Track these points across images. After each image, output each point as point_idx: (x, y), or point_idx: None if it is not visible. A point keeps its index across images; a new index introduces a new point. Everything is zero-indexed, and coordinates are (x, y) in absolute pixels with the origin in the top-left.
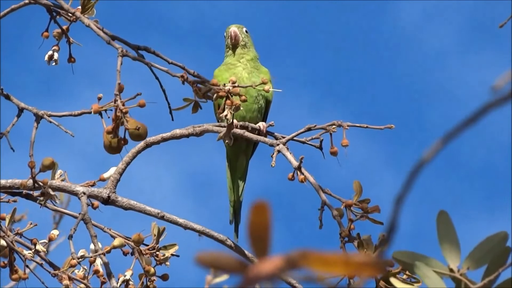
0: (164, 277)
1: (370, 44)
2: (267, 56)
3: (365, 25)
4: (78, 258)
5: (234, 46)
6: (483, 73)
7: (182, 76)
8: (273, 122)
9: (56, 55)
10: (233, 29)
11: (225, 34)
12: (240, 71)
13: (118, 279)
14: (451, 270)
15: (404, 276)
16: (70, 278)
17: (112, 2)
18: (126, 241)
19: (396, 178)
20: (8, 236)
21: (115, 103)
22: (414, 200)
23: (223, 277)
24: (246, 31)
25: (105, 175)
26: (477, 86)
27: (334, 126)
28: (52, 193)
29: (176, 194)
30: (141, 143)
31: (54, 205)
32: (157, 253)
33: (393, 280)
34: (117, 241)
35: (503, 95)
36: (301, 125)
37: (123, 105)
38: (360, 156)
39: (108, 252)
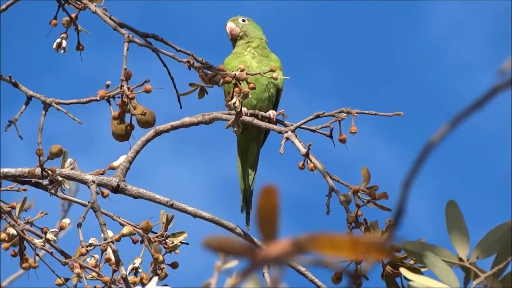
0: (174, 265)
1: (397, 53)
2: (291, 58)
3: (392, 34)
4: (87, 246)
5: (234, 40)
6: None
7: (188, 62)
8: (283, 110)
9: (64, 43)
10: (228, 25)
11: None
12: (249, 60)
13: (128, 267)
14: (461, 260)
15: (411, 262)
16: (81, 267)
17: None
18: (135, 229)
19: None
20: (19, 225)
21: (121, 89)
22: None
23: (233, 263)
24: (243, 20)
25: (115, 163)
26: (505, 96)
27: (343, 114)
28: (60, 179)
29: (187, 183)
30: (151, 131)
31: (63, 193)
32: (166, 240)
33: (402, 269)
34: (125, 229)
35: (510, 78)
36: (312, 113)
37: (130, 90)
38: (372, 145)
39: (118, 240)
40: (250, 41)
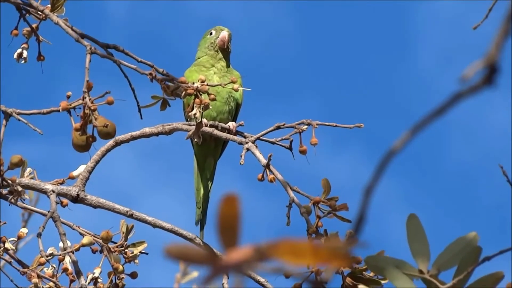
0: (133, 275)
1: (386, 85)
2: (280, 87)
3: (381, 66)
4: (47, 256)
5: (224, 50)
6: (501, 113)
7: (150, 74)
8: (243, 122)
9: (25, 53)
10: (227, 34)
11: (213, 31)
12: (211, 75)
13: (87, 277)
14: (421, 272)
15: (371, 273)
16: (39, 276)
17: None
18: (95, 238)
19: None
20: None
21: (83, 100)
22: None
23: (193, 275)
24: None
25: (74, 173)
26: (496, 125)
27: (303, 125)
28: (20, 189)
29: (147, 191)
30: (111, 142)
31: (23, 203)
32: (126, 250)
33: (361, 286)
34: (85, 239)
35: (472, 85)
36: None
37: (92, 102)
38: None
39: (77, 250)
40: (224, 60)
